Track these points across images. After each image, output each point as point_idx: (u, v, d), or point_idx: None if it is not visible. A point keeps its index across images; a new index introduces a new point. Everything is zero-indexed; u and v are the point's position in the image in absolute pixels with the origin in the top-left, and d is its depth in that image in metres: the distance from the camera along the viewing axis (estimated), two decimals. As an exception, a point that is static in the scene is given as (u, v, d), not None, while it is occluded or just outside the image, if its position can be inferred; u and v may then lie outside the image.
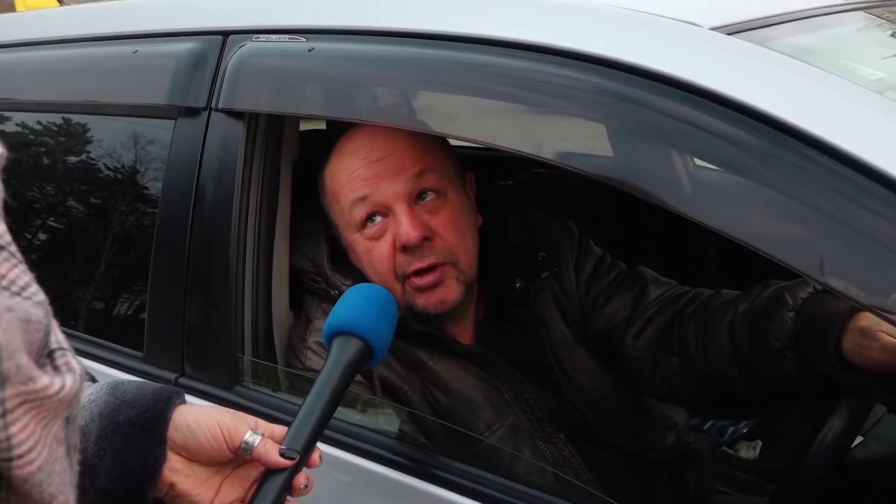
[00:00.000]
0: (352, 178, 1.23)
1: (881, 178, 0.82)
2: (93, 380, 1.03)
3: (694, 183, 0.95)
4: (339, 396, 0.95)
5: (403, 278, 1.24)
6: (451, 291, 1.25)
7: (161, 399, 0.88)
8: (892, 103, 0.93)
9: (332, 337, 0.99)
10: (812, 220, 0.85)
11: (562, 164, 1.00)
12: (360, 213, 1.23)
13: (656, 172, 0.94)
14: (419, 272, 1.22)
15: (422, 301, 1.24)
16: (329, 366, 0.96)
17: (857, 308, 1.08)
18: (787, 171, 0.85)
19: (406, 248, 1.21)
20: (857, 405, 1.12)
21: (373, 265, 1.25)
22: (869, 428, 1.32)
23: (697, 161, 0.96)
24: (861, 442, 1.29)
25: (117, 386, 0.91)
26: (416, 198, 1.23)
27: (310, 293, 1.34)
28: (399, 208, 1.21)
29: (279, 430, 0.90)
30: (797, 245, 0.87)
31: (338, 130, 1.29)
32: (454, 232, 1.24)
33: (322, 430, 0.92)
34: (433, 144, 1.25)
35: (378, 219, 1.23)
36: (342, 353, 0.97)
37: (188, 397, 1.27)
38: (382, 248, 1.23)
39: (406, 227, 1.20)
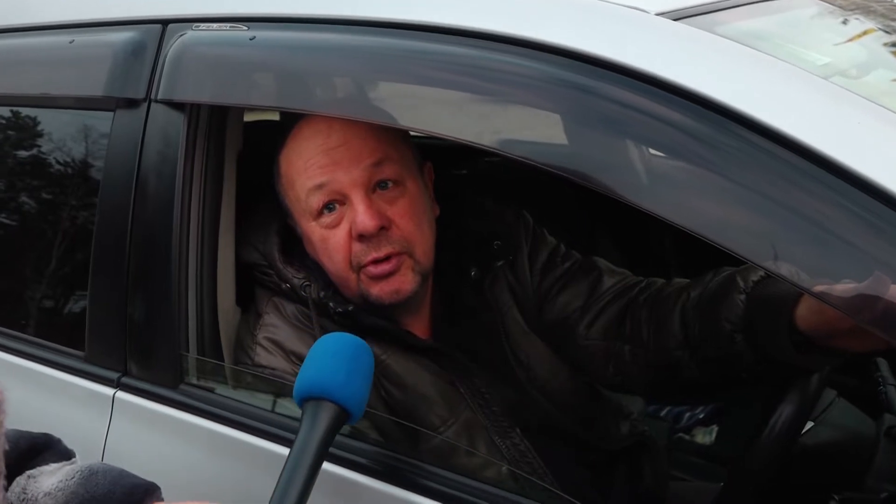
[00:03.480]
0: (308, 164, 1.21)
1: (826, 163, 0.82)
2: (69, 455, 1.00)
3: (640, 171, 0.94)
4: (317, 469, 0.91)
5: (359, 268, 1.22)
6: (407, 281, 1.23)
7: (132, 502, 0.85)
8: (838, 88, 0.93)
9: (303, 401, 0.95)
10: (757, 207, 0.85)
11: (508, 153, 0.98)
12: (316, 201, 1.21)
13: (602, 161, 0.94)
14: (375, 261, 1.20)
15: (376, 290, 1.22)
16: (302, 437, 0.92)
17: None
18: (732, 158, 0.85)
19: (362, 237, 1.20)
20: (807, 391, 1.13)
21: (328, 254, 1.23)
22: (819, 413, 1.34)
23: (644, 149, 0.95)
24: (811, 427, 1.30)
25: (91, 476, 0.89)
26: (374, 187, 1.21)
27: (260, 287, 1.31)
28: (356, 197, 1.19)
29: None
30: (743, 232, 0.87)
31: (293, 117, 1.26)
32: (411, 222, 1.22)
33: None
34: (392, 132, 1.23)
35: (335, 207, 1.21)
36: (314, 421, 0.93)
37: (132, 398, 1.26)
38: (339, 237, 1.21)
39: (362, 215, 1.18)
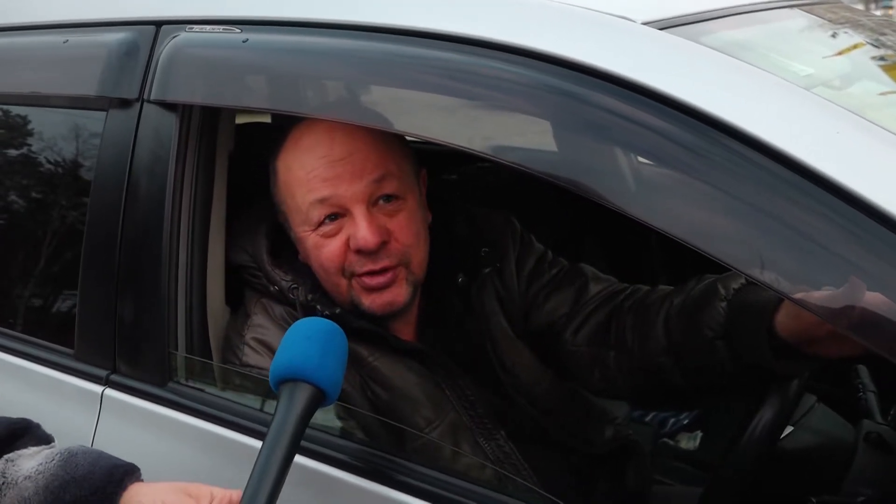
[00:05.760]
0: (310, 176, 1.21)
1: (806, 173, 0.84)
2: (48, 440, 1.01)
3: (625, 177, 0.95)
4: (295, 447, 0.93)
5: (351, 276, 1.23)
6: (401, 294, 1.24)
7: (112, 482, 0.86)
8: (820, 99, 0.95)
9: (279, 384, 0.97)
10: (738, 214, 0.86)
11: (498, 159, 1.00)
12: (317, 213, 1.21)
13: (589, 167, 0.95)
14: (371, 273, 1.21)
15: (369, 301, 1.23)
16: (279, 417, 0.94)
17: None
18: (715, 165, 0.86)
19: (361, 251, 1.20)
20: (786, 396, 1.14)
21: (320, 261, 1.23)
22: (799, 418, 1.35)
23: (630, 156, 0.97)
24: (791, 432, 1.32)
25: (70, 458, 0.89)
26: (375, 201, 1.21)
27: (249, 288, 1.32)
28: (357, 211, 1.20)
29: (236, 494, 0.88)
30: (727, 239, 0.88)
31: (288, 120, 1.27)
32: (410, 235, 1.23)
33: (280, 485, 0.90)
34: (393, 145, 1.24)
35: (334, 218, 1.22)
36: (291, 402, 0.94)
37: (120, 396, 1.26)
38: (334, 247, 1.22)
39: (364, 231, 1.18)
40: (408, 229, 1.23)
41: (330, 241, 1.22)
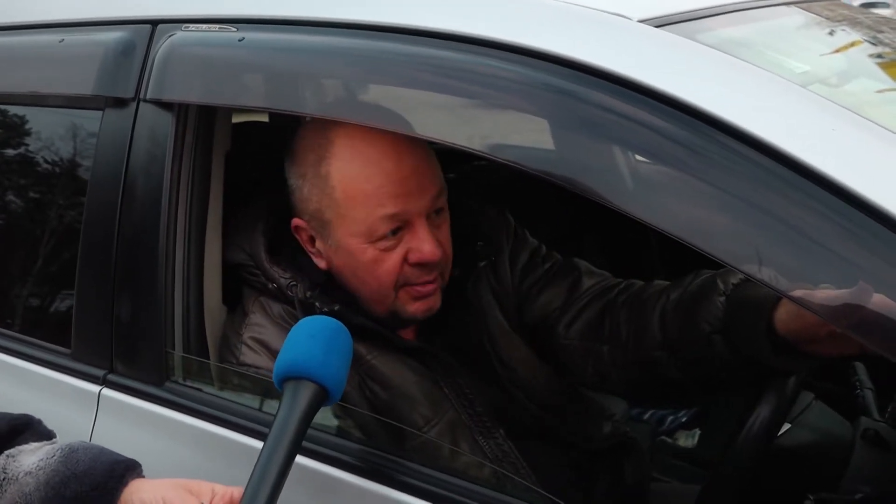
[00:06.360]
0: (380, 191, 1.20)
1: (803, 170, 0.84)
2: (49, 435, 1.00)
3: (622, 175, 0.95)
4: (297, 446, 0.93)
5: (402, 286, 1.24)
6: (438, 299, 1.27)
7: (112, 477, 0.86)
8: (817, 97, 0.95)
9: (282, 382, 0.97)
10: (737, 212, 0.86)
11: (496, 157, 1.00)
12: (384, 227, 1.21)
13: (586, 165, 0.95)
14: (425, 282, 1.24)
15: (413, 308, 1.26)
16: (282, 415, 0.94)
17: None
18: (711, 162, 0.87)
19: (419, 264, 1.22)
20: (784, 393, 1.14)
21: (376, 274, 1.23)
22: (796, 415, 1.35)
23: (627, 153, 0.97)
24: (789, 429, 1.32)
25: (71, 454, 0.89)
26: (429, 214, 1.23)
27: (247, 287, 1.32)
28: (420, 225, 1.21)
29: (237, 491, 0.88)
30: (724, 237, 0.89)
31: (321, 123, 1.23)
32: (450, 243, 1.27)
33: (281, 483, 0.90)
34: (435, 157, 1.26)
35: (396, 232, 1.22)
36: (294, 400, 0.95)
37: (117, 395, 1.26)
38: (394, 261, 1.22)
39: (430, 245, 1.21)
40: (448, 239, 1.26)
41: (389, 255, 1.22)
